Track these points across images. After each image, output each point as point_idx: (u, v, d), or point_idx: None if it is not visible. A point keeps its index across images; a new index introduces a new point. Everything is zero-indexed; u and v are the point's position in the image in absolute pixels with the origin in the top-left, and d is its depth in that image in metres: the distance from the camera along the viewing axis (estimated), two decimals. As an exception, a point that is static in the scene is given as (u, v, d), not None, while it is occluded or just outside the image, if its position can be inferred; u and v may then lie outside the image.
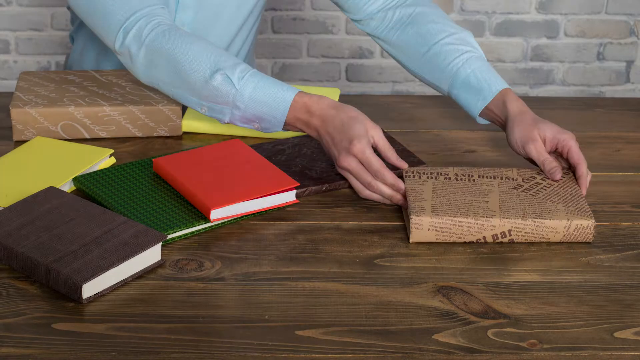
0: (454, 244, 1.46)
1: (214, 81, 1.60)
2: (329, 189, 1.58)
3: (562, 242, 1.47)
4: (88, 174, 1.57)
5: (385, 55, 3.12)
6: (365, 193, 1.54)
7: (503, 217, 1.44)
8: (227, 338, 1.25)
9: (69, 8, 2.11)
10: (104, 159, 1.63)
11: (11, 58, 3.10)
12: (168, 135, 1.75)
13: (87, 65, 2.03)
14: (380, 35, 1.85)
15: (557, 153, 1.61)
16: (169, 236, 1.44)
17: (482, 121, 1.71)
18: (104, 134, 1.73)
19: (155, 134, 1.75)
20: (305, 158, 1.64)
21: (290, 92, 1.58)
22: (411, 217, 1.44)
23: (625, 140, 1.80)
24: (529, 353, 1.23)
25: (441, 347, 1.24)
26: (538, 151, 1.59)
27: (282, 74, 3.13)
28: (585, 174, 1.56)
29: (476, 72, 1.70)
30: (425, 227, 1.44)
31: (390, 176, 1.51)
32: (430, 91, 3.15)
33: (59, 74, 1.83)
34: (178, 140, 1.74)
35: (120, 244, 1.35)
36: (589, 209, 1.47)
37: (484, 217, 1.44)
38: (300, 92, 1.59)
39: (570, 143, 1.58)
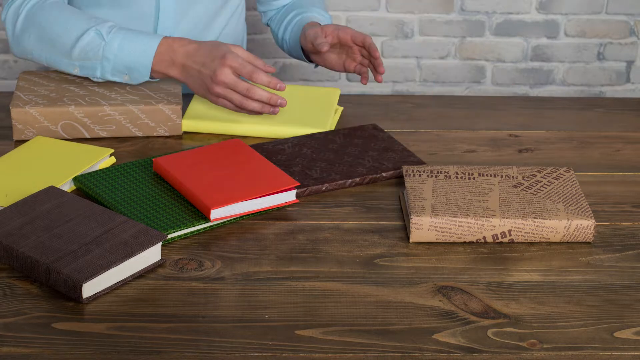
0: (454, 243, 1.46)
1: (86, 37, 1.70)
2: (329, 189, 1.58)
3: (562, 242, 1.47)
4: (88, 173, 1.57)
5: (386, 55, 3.12)
6: (245, 104, 1.66)
7: (503, 217, 1.44)
8: (227, 337, 1.25)
9: None
10: (104, 159, 1.63)
11: (11, 58, 3.10)
12: (168, 134, 1.75)
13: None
14: (271, 25, 2.07)
15: (343, 44, 1.82)
16: (169, 236, 1.44)
17: (307, 60, 1.95)
18: (104, 134, 1.73)
19: (155, 134, 1.75)
20: (305, 158, 1.64)
21: (157, 37, 1.69)
22: (411, 217, 1.44)
23: (626, 140, 1.80)
24: (529, 353, 1.23)
25: (441, 346, 1.24)
26: (316, 32, 1.78)
27: (283, 74, 3.13)
28: (373, 43, 1.77)
29: (304, 18, 1.95)
30: (425, 227, 1.44)
31: (264, 76, 1.64)
32: (430, 91, 3.15)
33: (59, 74, 1.83)
34: (178, 140, 1.74)
35: (120, 243, 1.35)
36: (589, 209, 1.47)
37: (484, 217, 1.44)
38: (167, 36, 1.70)
39: (349, 29, 1.78)
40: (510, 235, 1.45)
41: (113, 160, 1.65)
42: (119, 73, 1.71)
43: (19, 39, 1.76)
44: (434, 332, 1.27)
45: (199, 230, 1.46)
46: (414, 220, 1.44)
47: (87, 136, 1.73)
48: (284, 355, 1.22)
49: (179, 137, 1.75)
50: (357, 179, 1.60)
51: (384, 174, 1.61)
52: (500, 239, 1.46)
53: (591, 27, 3.12)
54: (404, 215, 1.52)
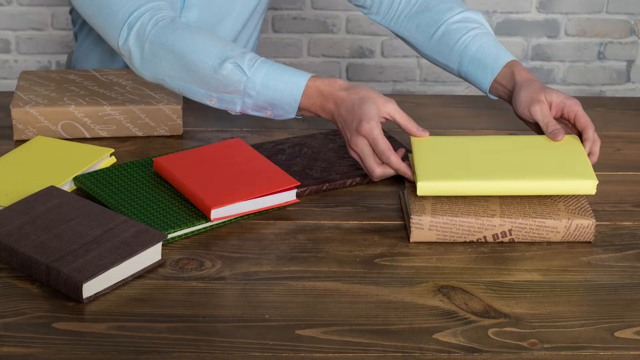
0: (454, 243, 1.46)
1: (224, 70, 1.58)
2: (330, 188, 1.58)
3: (563, 242, 1.47)
4: (88, 173, 1.57)
5: (386, 55, 3.12)
6: (374, 175, 1.54)
7: (504, 217, 1.44)
8: (228, 337, 1.25)
9: (71, 11, 2.11)
10: (104, 159, 1.63)
11: (12, 57, 3.10)
12: (168, 134, 1.75)
13: (91, 64, 2.03)
14: (391, 22, 1.85)
15: (564, 120, 1.61)
16: (169, 235, 1.43)
17: (493, 97, 1.73)
18: (104, 134, 1.73)
19: (155, 133, 1.75)
20: (305, 158, 1.64)
21: (303, 77, 1.58)
22: (411, 216, 1.44)
23: (626, 139, 1.80)
24: (529, 352, 1.23)
25: (441, 346, 1.24)
26: (543, 113, 1.59)
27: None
28: (593, 138, 1.56)
29: (483, 48, 1.71)
30: (425, 226, 1.44)
31: (395, 159, 1.51)
32: (430, 90, 3.15)
33: (59, 74, 1.83)
34: (178, 140, 1.74)
35: (121, 243, 1.35)
36: (590, 208, 1.46)
37: (484, 216, 1.44)
38: (313, 76, 1.58)
39: (576, 108, 1.59)
40: (510, 234, 1.45)
41: (113, 160, 1.65)
42: (261, 109, 1.61)
43: (151, 65, 1.63)
44: (435, 331, 1.27)
45: (200, 230, 1.46)
46: (415, 219, 1.44)
47: (88, 136, 1.73)
48: (284, 355, 1.22)
49: (179, 136, 1.75)
50: (357, 179, 1.60)
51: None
52: (500, 239, 1.46)
53: (591, 26, 3.12)
54: (404, 215, 1.52)
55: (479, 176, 1.46)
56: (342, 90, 1.56)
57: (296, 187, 1.54)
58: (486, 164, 1.49)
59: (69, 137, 1.73)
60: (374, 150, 1.52)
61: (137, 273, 1.35)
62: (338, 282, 1.36)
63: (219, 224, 1.48)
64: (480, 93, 3.15)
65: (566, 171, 1.47)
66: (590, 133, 1.56)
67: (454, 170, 1.47)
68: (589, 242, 1.47)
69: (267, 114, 1.60)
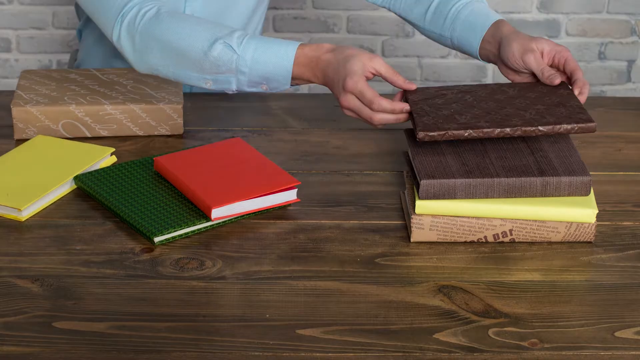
0: (455, 243, 1.46)
1: (214, 51, 1.60)
2: (472, 135, 1.45)
3: (563, 242, 1.47)
4: (89, 172, 1.57)
5: (387, 54, 3.11)
6: (375, 123, 1.55)
7: (504, 217, 1.44)
8: (228, 337, 1.25)
9: (76, 8, 2.12)
10: (105, 158, 1.63)
11: (12, 57, 3.10)
12: (169, 134, 1.75)
13: (95, 62, 2.03)
14: (393, 5, 1.89)
15: (555, 67, 1.64)
16: (170, 235, 1.43)
17: (483, 60, 1.77)
18: (105, 133, 1.73)
19: (156, 133, 1.75)
20: (463, 104, 1.53)
21: (292, 46, 1.60)
22: (412, 216, 1.44)
23: (627, 139, 1.80)
24: (529, 352, 1.23)
25: (442, 346, 1.24)
26: (537, 61, 1.62)
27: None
28: (582, 80, 1.59)
29: (474, 11, 1.76)
30: (426, 226, 1.44)
31: (386, 103, 1.53)
32: (431, 90, 3.15)
33: (60, 73, 1.83)
34: (179, 139, 1.74)
35: None
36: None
37: (485, 216, 1.44)
38: (301, 44, 1.60)
39: (566, 54, 1.63)
40: (511, 234, 1.45)
41: (114, 159, 1.65)
42: (256, 84, 1.62)
43: (143, 57, 1.65)
44: (435, 331, 1.27)
45: (200, 229, 1.46)
46: (415, 219, 1.44)
47: (88, 135, 1.73)
48: (284, 354, 1.22)
49: (180, 136, 1.75)
50: (508, 130, 1.45)
51: (540, 128, 1.46)
52: (501, 239, 1.46)
53: (592, 26, 3.12)
54: (404, 215, 1.52)
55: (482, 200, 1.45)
56: (327, 53, 1.58)
57: (436, 130, 1.45)
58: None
59: (70, 137, 1.73)
60: (364, 103, 1.54)
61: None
62: (339, 281, 1.36)
63: (219, 223, 1.48)
64: (480, 93, 3.14)
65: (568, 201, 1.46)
66: (579, 74, 1.60)
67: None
68: (590, 242, 1.47)
69: (262, 88, 1.62)
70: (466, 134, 1.44)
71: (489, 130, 1.45)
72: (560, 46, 1.64)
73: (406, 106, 1.54)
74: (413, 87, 1.59)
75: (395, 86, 1.59)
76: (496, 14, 1.74)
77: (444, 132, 1.44)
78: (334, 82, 1.56)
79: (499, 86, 1.60)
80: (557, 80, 1.59)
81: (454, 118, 1.48)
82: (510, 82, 1.65)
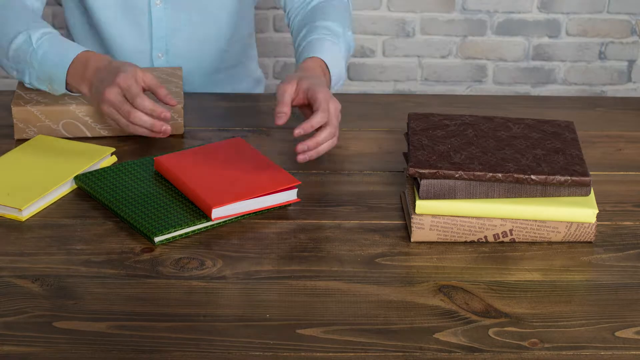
0: (455, 243, 1.46)
1: (17, 40, 1.67)
2: (463, 177, 1.43)
3: (564, 242, 1.47)
4: (89, 172, 1.57)
5: (387, 54, 3.11)
6: (130, 128, 1.58)
7: (504, 217, 1.44)
8: (228, 337, 1.25)
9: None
10: (105, 158, 1.63)
11: (13, 56, 3.10)
12: (169, 133, 1.75)
13: None
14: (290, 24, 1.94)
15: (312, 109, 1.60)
16: (170, 235, 1.43)
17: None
18: (105, 133, 1.73)
19: (156, 133, 1.75)
20: (462, 139, 1.51)
21: (78, 49, 1.65)
22: (412, 216, 1.44)
23: (627, 139, 1.80)
24: (530, 352, 1.23)
25: (442, 346, 1.24)
26: (283, 90, 1.59)
27: (284, 73, 3.13)
28: (316, 119, 1.55)
29: (311, 44, 1.76)
30: (426, 226, 1.44)
31: (148, 102, 1.56)
32: (431, 90, 3.15)
33: (60, 73, 1.83)
34: (179, 139, 1.74)
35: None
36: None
37: (485, 216, 1.44)
38: (89, 51, 1.65)
39: (318, 95, 1.57)
40: (511, 234, 1.45)
41: (114, 159, 1.65)
42: (42, 81, 1.67)
43: None
44: (435, 331, 1.27)
45: (200, 229, 1.46)
46: (415, 219, 1.44)
47: (89, 135, 1.73)
48: (285, 354, 1.22)
49: (180, 136, 1.75)
50: (500, 175, 1.43)
51: (532, 177, 1.43)
52: (501, 238, 1.46)
53: (592, 26, 3.12)
54: (405, 215, 1.52)
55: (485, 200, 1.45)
56: (105, 60, 1.63)
57: (427, 168, 1.43)
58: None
59: (70, 136, 1.73)
60: (126, 99, 1.57)
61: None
62: (339, 281, 1.36)
63: (219, 223, 1.48)
64: (481, 92, 3.15)
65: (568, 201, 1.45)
66: (318, 116, 1.56)
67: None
68: (590, 242, 1.47)
69: (48, 87, 1.67)
70: (457, 175, 1.43)
71: (480, 174, 1.43)
72: (321, 90, 1.59)
73: (166, 112, 1.56)
74: (174, 102, 1.62)
75: (158, 98, 1.63)
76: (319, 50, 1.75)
77: (435, 171, 1.43)
78: (103, 81, 1.58)
79: (505, 121, 1.58)
80: (281, 121, 1.57)
81: (449, 155, 1.47)
82: (518, 118, 1.61)
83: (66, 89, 1.67)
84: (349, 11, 1.91)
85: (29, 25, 1.69)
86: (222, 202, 1.45)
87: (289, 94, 1.60)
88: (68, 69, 1.64)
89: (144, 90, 1.61)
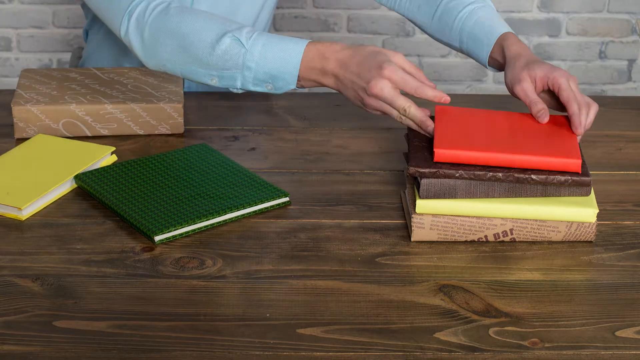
0: (455, 242, 1.46)
1: (222, 44, 1.57)
2: (463, 176, 1.43)
3: (564, 241, 1.47)
4: (89, 171, 1.57)
5: (387, 54, 3.12)
6: (418, 95, 1.52)
7: (505, 216, 1.44)
8: (229, 336, 1.25)
9: (82, 6, 2.12)
10: (105, 157, 1.63)
11: (13, 55, 3.10)
12: (169, 133, 1.75)
13: (102, 62, 2.03)
14: (395, 4, 1.87)
15: (551, 93, 1.58)
16: (170, 234, 1.43)
17: (494, 70, 1.73)
18: (105, 132, 1.73)
19: (156, 132, 1.75)
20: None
21: (302, 42, 1.56)
22: (413, 215, 1.44)
23: (627, 139, 1.80)
24: (530, 352, 1.23)
25: (442, 345, 1.24)
26: (525, 92, 1.55)
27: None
28: (577, 113, 1.51)
29: (478, 23, 1.71)
30: (426, 225, 1.44)
31: (431, 92, 1.51)
32: (431, 89, 3.15)
33: (60, 72, 1.83)
34: (180, 138, 1.74)
35: None
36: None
37: (485, 216, 1.44)
38: (312, 41, 1.56)
39: (560, 80, 1.54)
40: (511, 234, 1.45)
41: (114, 158, 1.65)
42: (261, 82, 1.58)
43: (151, 51, 1.62)
44: (436, 330, 1.27)
45: (200, 228, 1.46)
46: (416, 218, 1.44)
47: (89, 134, 1.73)
48: (285, 353, 1.22)
49: (181, 135, 1.75)
50: (500, 175, 1.43)
51: (532, 177, 1.43)
52: (501, 238, 1.46)
53: (593, 25, 3.12)
54: (405, 214, 1.52)
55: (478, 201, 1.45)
56: (345, 49, 1.54)
57: (427, 168, 1.43)
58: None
59: (70, 136, 1.73)
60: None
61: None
62: (339, 281, 1.36)
63: (219, 222, 1.48)
64: (481, 92, 3.15)
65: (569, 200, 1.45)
66: (574, 108, 1.51)
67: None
68: (590, 242, 1.47)
69: (267, 87, 1.58)
70: (457, 175, 1.42)
71: (480, 173, 1.43)
72: (557, 71, 1.55)
73: (446, 97, 1.51)
74: (445, 98, 1.53)
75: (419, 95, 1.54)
76: (500, 25, 1.69)
77: (435, 171, 1.42)
78: (361, 75, 1.50)
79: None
80: (546, 118, 1.52)
81: None
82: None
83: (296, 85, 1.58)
84: None
85: (225, 26, 1.59)
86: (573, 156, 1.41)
87: (531, 90, 1.56)
88: (300, 63, 1.55)
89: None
